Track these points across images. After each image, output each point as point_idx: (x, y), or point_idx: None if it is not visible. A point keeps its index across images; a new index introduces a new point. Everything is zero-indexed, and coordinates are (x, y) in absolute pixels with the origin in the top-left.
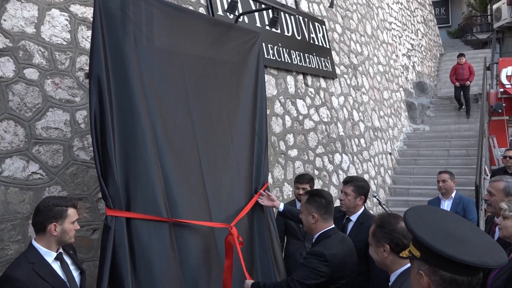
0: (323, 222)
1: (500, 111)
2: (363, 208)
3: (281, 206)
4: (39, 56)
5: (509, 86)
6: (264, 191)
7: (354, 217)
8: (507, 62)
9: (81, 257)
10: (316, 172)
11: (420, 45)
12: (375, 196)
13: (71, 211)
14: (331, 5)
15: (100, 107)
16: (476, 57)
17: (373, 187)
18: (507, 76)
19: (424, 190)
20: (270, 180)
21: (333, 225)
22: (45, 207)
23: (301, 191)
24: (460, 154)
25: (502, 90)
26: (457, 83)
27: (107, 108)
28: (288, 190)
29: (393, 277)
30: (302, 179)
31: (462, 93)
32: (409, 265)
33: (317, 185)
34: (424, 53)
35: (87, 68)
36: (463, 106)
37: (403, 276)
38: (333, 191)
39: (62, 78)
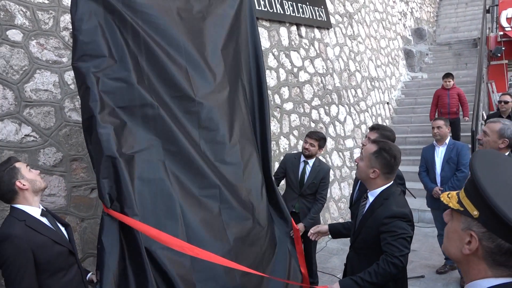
0: (383, 179)
1: (499, 55)
2: None
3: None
4: (21, 17)
5: (509, 29)
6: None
7: None
8: (507, 4)
9: (82, 216)
10: (313, 125)
11: None
12: None
13: (18, 164)
14: None
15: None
16: None
17: None
18: (507, 19)
19: (421, 138)
20: None
21: (392, 181)
22: None
23: (306, 145)
24: None
25: (501, 33)
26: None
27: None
28: (284, 144)
29: None
30: (311, 134)
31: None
32: None
33: None
34: None
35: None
36: None
37: None
38: (330, 143)
39: (47, 39)
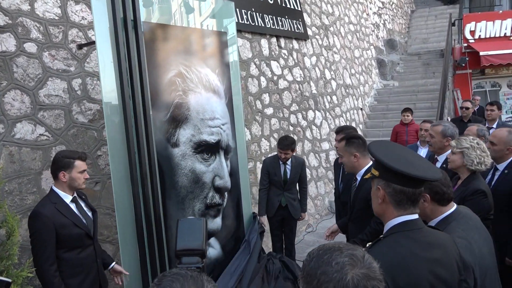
0: (363, 158)
1: (463, 65)
2: None
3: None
4: (35, 31)
5: (473, 41)
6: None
7: None
8: (471, 18)
9: None
10: (291, 128)
11: (391, 3)
12: None
13: (78, 163)
14: None
15: None
16: (445, 12)
17: None
18: (470, 31)
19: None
20: (248, 137)
21: (371, 162)
22: (57, 158)
23: (283, 156)
24: (425, 107)
25: (466, 45)
26: None
27: None
28: (265, 145)
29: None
30: (283, 146)
31: None
32: (448, 212)
33: None
34: (395, 11)
35: (79, 40)
36: None
37: (443, 224)
38: (307, 145)
39: (57, 50)
